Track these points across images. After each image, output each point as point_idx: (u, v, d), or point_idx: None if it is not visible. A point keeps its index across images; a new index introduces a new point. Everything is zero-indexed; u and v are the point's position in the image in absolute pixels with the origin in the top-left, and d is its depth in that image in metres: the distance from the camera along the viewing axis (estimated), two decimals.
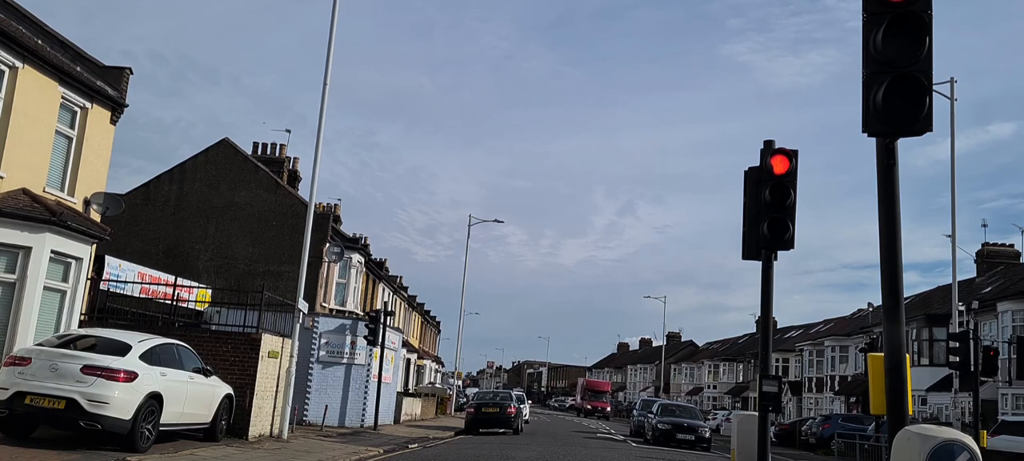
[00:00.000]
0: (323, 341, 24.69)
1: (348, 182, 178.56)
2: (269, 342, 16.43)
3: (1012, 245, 44.51)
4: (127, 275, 20.22)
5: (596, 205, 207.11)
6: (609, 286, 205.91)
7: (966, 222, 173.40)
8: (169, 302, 19.86)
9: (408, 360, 47.81)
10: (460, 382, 70.45)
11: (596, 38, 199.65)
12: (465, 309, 50.67)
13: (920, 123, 5.43)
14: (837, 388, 49.10)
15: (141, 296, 20.34)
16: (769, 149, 9.42)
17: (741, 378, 70.71)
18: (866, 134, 5.56)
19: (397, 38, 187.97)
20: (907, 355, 5.69)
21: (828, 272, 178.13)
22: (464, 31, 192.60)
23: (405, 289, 55.54)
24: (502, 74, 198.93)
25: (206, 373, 13.93)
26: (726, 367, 74.96)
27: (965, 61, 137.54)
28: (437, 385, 57.51)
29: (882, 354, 5.68)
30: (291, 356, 17.59)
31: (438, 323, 77.83)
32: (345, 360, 25.01)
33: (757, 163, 9.62)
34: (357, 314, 31.83)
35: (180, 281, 21.06)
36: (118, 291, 19.39)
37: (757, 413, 9.43)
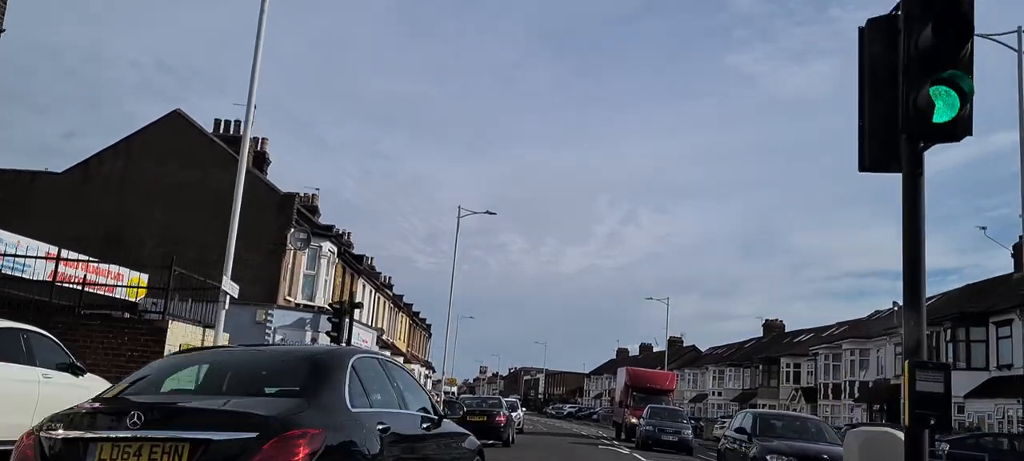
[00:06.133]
0: (278, 337, 21.17)
1: (351, 191, 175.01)
2: (180, 332, 12.87)
3: None
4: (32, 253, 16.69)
5: (598, 213, 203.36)
6: (609, 294, 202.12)
7: (968, 230, 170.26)
8: (80, 288, 16.31)
9: None
10: (454, 389, 66.22)
11: (602, 47, 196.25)
12: (461, 314, 47.13)
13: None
14: (857, 394, 45.58)
15: (49, 281, 16.83)
16: None
17: (748, 384, 67.33)
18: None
19: (403, 46, 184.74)
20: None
21: (829, 280, 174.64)
22: (471, 40, 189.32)
23: (391, 287, 52.00)
24: (508, 82, 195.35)
25: (76, 371, 10.34)
26: (732, 372, 71.54)
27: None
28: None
29: None
30: None
31: (429, 327, 74.34)
32: None
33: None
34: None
35: (103, 265, 17.61)
36: (14, 274, 15.88)
37: (895, 430, 5.65)
